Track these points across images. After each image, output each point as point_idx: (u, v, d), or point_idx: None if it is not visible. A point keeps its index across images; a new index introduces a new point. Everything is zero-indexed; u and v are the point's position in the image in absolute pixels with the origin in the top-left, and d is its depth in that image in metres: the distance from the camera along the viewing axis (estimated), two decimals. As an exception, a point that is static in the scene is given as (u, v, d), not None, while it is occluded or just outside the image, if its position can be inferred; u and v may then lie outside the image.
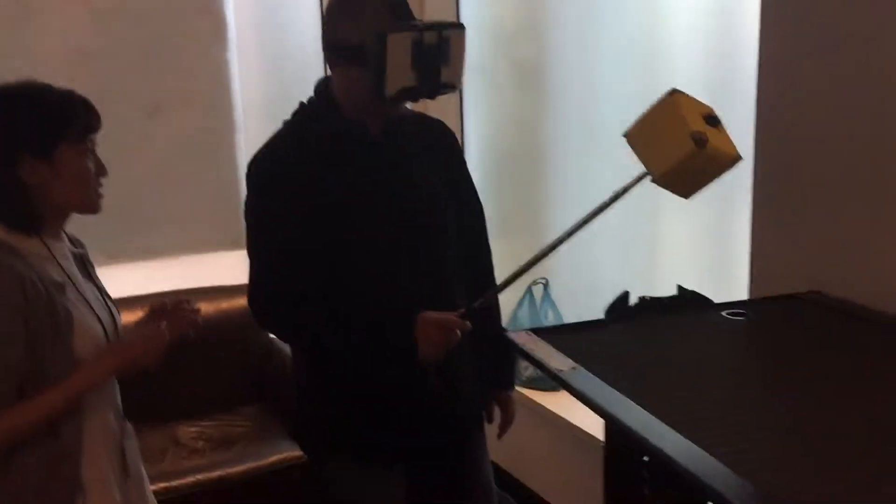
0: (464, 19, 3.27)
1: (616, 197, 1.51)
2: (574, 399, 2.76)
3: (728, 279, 2.16)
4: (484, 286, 1.86)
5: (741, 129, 1.95)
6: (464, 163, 1.95)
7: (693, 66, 2.32)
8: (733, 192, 2.08)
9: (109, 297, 1.76)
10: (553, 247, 1.58)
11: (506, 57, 3.15)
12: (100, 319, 1.67)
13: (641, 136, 1.47)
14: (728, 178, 2.10)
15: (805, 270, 1.79)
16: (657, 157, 1.43)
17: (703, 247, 2.39)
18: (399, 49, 1.59)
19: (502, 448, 2.18)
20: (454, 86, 1.70)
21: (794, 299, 1.70)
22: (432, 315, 1.66)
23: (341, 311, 1.72)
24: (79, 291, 1.66)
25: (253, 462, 2.71)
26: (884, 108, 1.61)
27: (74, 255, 1.71)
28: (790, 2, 1.78)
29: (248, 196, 1.78)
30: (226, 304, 3.03)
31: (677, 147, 1.40)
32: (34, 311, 1.54)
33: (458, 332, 1.66)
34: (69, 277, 1.65)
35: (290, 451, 2.74)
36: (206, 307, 2.97)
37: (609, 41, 2.62)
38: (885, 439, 1.14)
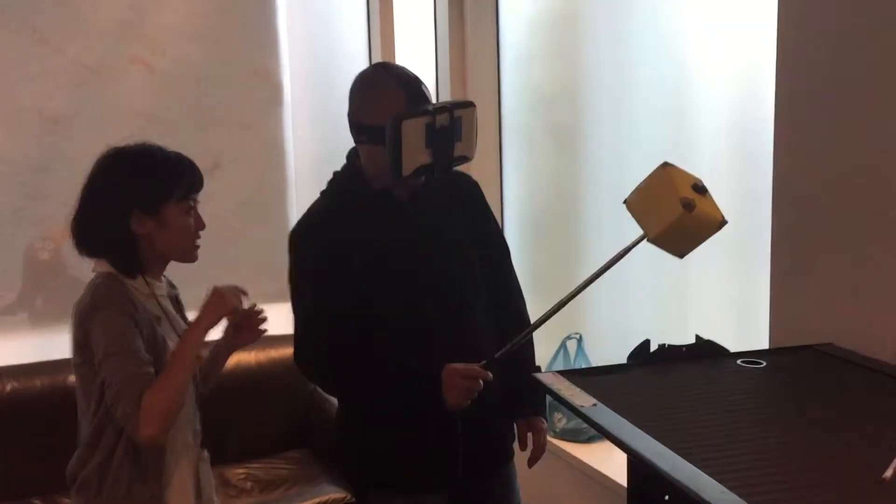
0: (504, 86, 3.45)
1: (618, 257, 1.67)
2: (604, 451, 2.85)
3: (753, 330, 2.25)
4: (515, 329, 1.98)
5: (762, 186, 2.07)
6: (487, 208, 2.09)
7: (717, 126, 2.46)
8: (755, 250, 2.20)
9: None
10: (563, 304, 1.73)
11: (543, 120, 3.31)
12: None
13: (638, 202, 1.66)
14: (750, 235, 2.23)
15: (822, 322, 1.88)
16: (651, 220, 1.61)
17: (729, 300, 2.49)
18: (413, 132, 1.76)
19: (535, 497, 2.27)
20: (468, 158, 1.86)
21: (808, 350, 1.80)
22: (457, 366, 1.79)
23: (377, 366, 1.86)
24: (172, 325, 1.86)
25: (297, 502, 2.82)
26: None
27: (170, 296, 1.91)
28: (804, 61, 1.91)
29: (291, 262, 1.94)
30: (274, 353, 3.18)
31: (669, 211, 1.58)
32: (142, 325, 1.75)
33: (481, 381, 1.79)
34: (165, 312, 1.85)
35: (332, 493, 2.85)
36: (255, 356, 3.16)
37: (640, 105, 2.77)
38: (872, 472, 1.23)
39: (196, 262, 2.03)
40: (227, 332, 2.00)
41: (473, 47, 3.43)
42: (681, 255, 1.67)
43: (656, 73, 2.67)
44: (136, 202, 1.79)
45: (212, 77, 3.22)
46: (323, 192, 1.98)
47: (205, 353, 1.97)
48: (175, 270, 2.20)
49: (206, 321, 1.80)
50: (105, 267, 1.82)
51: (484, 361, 1.80)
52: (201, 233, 1.89)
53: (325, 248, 1.87)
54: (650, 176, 1.65)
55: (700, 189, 1.61)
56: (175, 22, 3.16)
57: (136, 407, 1.67)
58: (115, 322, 1.73)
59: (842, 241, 1.84)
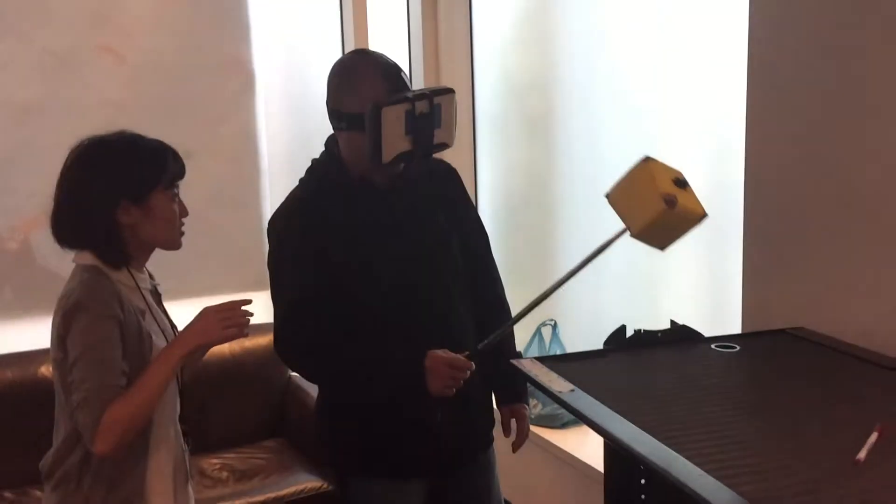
0: (477, 74, 3.45)
1: (600, 250, 1.67)
2: (579, 436, 2.88)
3: (726, 315, 2.28)
4: (495, 315, 2.01)
5: (734, 174, 2.10)
6: (466, 194, 2.10)
7: (690, 114, 2.48)
8: (727, 238, 2.23)
9: (175, 327, 1.93)
10: (545, 296, 1.74)
11: (517, 109, 3.32)
12: None
13: (620, 197, 1.66)
14: (723, 224, 2.25)
15: (793, 307, 1.92)
16: (634, 216, 1.61)
17: (702, 286, 2.52)
18: (393, 119, 1.76)
19: (512, 483, 2.29)
20: (448, 144, 1.87)
21: (780, 333, 1.83)
22: (440, 354, 1.79)
23: (359, 352, 1.86)
24: (155, 319, 1.83)
25: (273, 492, 2.81)
26: (864, 159, 1.75)
27: (151, 288, 1.89)
28: (775, 56, 1.94)
29: (271, 249, 1.94)
30: (249, 343, 3.16)
31: (650, 207, 1.58)
32: (127, 325, 1.72)
33: (466, 372, 1.80)
34: (148, 306, 1.83)
35: (309, 482, 2.85)
36: (230, 345, 3.13)
37: (611, 94, 2.78)
38: (846, 453, 1.25)
39: (170, 252, 2.01)
40: None
41: (446, 35, 3.43)
42: (662, 248, 1.68)
43: (629, 63, 2.69)
44: (124, 192, 1.75)
45: (183, 66, 3.19)
46: (301, 180, 1.98)
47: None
48: (148, 261, 2.19)
49: (184, 348, 1.74)
50: (88, 259, 1.77)
51: (468, 352, 1.81)
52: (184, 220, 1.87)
53: (305, 235, 1.87)
54: (631, 170, 1.65)
55: (681, 183, 1.62)
56: (145, 11, 3.12)
57: (97, 420, 1.65)
58: (97, 326, 1.69)
59: (811, 229, 1.88)
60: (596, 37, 2.82)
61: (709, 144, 2.42)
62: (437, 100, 1.81)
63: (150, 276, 1.95)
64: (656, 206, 1.57)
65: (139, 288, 1.81)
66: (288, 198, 1.96)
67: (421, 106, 1.78)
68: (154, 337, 1.79)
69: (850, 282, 1.79)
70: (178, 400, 1.88)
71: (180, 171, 1.83)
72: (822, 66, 1.82)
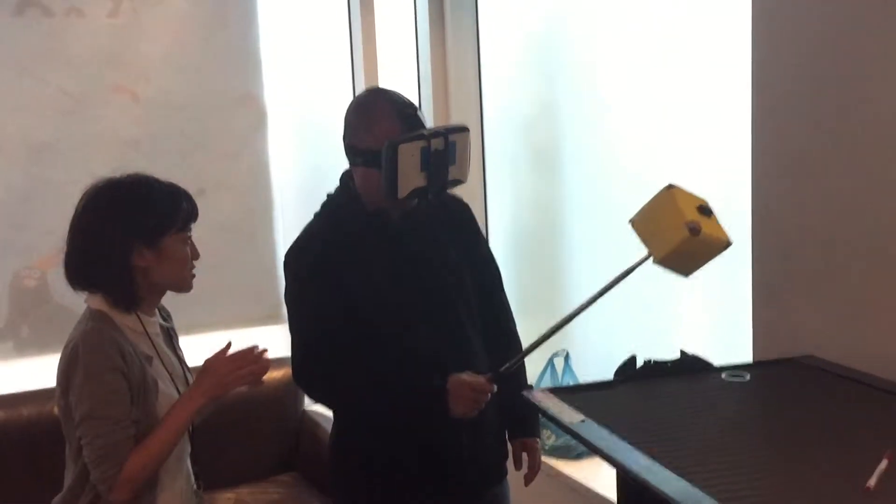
0: (486, 109, 3.49)
1: (623, 276, 1.69)
2: (593, 467, 2.87)
3: (737, 344, 2.28)
4: (508, 349, 2.02)
5: (742, 201, 2.11)
6: (478, 230, 2.13)
7: (697, 144, 2.50)
8: (737, 266, 2.23)
9: (188, 368, 1.95)
10: (567, 320, 1.75)
11: (525, 143, 3.35)
12: (178, 390, 1.84)
13: (644, 224, 1.67)
14: (732, 252, 2.26)
15: (804, 335, 1.92)
16: (658, 243, 1.63)
17: (712, 315, 2.52)
18: (409, 156, 1.79)
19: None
20: (461, 181, 1.90)
21: (791, 362, 1.83)
22: (464, 378, 1.82)
23: (376, 379, 1.89)
24: (164, 364, 1.84)
25: (287, 526, 2.82)
26: (873, 184, 1.76)
27: (163, 329, 1.91)
28: (780, 81, 1.96)
29: (287, 283, 1.97)
30: (264, 377, 3.17)
31: (674, 234, 1.59)
32: (131, 375, 1.73)
33: (488, 394, 1.82)
34: (157, 351, 1.83)
35: (322, 517, 2.85)
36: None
37: (618, 125, 2.81)
38: (856, 481, 1.25)
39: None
40: None
41: (455, 70, 3.47)
42: (686, 275, 1.69)
43: (635, 93, 2.72)
44: (139, 236, 1.77)
45: (196, 104, 3.25)
46: (317, 214, 2.01)
47: None
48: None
49: (196, 402, 1.76)
50: (98, 302, 1.78)
51: (489, 375, 1.83)
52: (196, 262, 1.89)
53: (321, 269, 1.89)
54: (655, 197, 1.67)
55: (706, 211, 1.63)
56: (158, 51, 3.18)
57: (118, 473, 1.68)
58: (100, 381, 1.70)
59: (820, 257, 1.88)
60: (602, 67, 2.85)
61: (717, 172, 2.43)
62: (451, 137, 1.84)
63: (165, 317, 1.96)
64: (680, 233, 1.58)
65: (147, 333, 1.82)
66: (303, 232, 1.99)
67: (436, 143, 1.82)
68: (161, 383, 1.79)
69: (861, 309, 1.80)
70: (188, 442, 1.88)
71: (193, 213, 1.86)
72: (829, 88, 1.84)
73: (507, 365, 1.84)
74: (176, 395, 1.81)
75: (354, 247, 1.90)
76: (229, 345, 1.88)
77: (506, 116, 3.43)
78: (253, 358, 1.81)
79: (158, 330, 1.89)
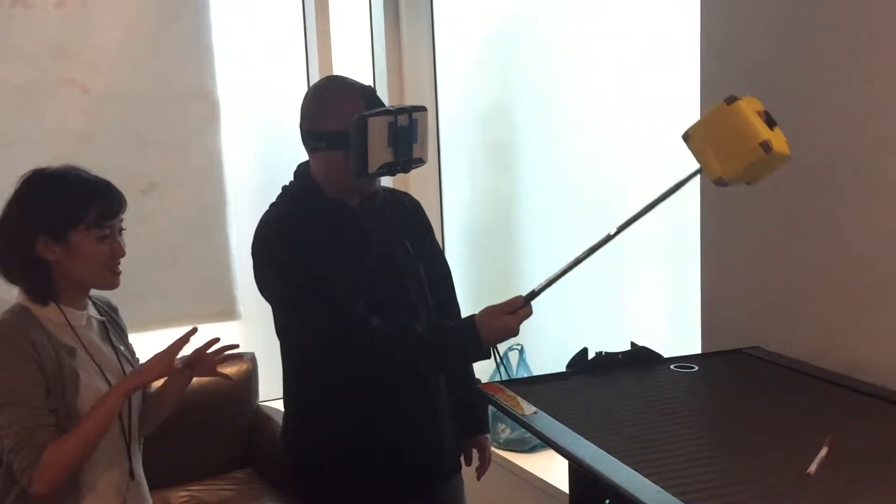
0: (442, 106, 3.51)
1: (669, 193, 1.66)
2: (547, 460, 2.90)
3: (686, 336, 2.33)
4: None
5: (692, 196, 2.16)
6: (430, 229, 2.15)
7: (647, 139, 2.54)
8: (687, 260, 2.28)
9: (130, 361, 1.92)
10: (604, 242, 1.73)
11: (480, 138, 3.37)
12: (109, 383, 1.81)
13: (704, 139, 1.56)
14: (682, 246, 2.31)
15: (750, 327, 1.97)
16: (722, 160, 1.54)
17: (662, 307, 2.57)
18: (378, 130, 1.80)
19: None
20: (423, 160, 1.91)
21: (737, 353, 1.88)
22: (495, 306, 1.79)
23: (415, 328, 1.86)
24: (90, 356, 1.81)
25: (242, 523, 2.81)
26: (813, 180, 1.81)
27: (98, 322, 1.88)
28: (726, 74, 2.00)
29: (272, 267, 1.88)
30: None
31: (746, 154, 1.50)
32: (45, 366, 1.71)
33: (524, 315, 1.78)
34: (82, 343, 1.80)
35: (277, 512, 2.84)
36: (197, 377, 3.13)
37: (572, 122, 2.84)
38: (797, 467, 1.30)
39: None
40: (178, 370, 1.92)
41: (410, 64, 3.48)
42: (750, 183, 1.60)
43: (591, 90, 2.75)
44: (41, 228, 1.74)
45: (147, 97, 3.20)
46: (275, 204, 1.97)
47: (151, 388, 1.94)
48: (111, 292, 2.18)
49: (125, 387, 1.75)
50: (20, 294, 1.78)
51: (523, 297, 1.79)
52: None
53: (299, 244, 1.85)
54: (716, 109, 1.55)
55: (770, 121, 1.53)
56: (108, 42, 3.13)
57: (34, 463, 1.65)
58: (10, 369, 1.68)
59: (767, 251, 1.93)
60: (556, 65, 2.88)
61: (667, 167, 2.48)
62: (415, 115, 1.86)
63: (104, 310, 1.93)
64: (753, 153, 1.48)
65: (70, 325, 1.79)
66: (268, 218, 1.93)
67: (402, 119, 1.83)
68: (84, 375, 1.77)
69: (804, 301, 1.85)
70: (122, 441, 1.85)
71: (112, 211, 1.80)
72: (770, 84, 1.88)
73: (541, 285, 1.78)
74: (104, 388, 1.79)
75: (321, 231, 1.88)
76: (194, 330, 1.88)
77: (461, 113, 3.45)
78: (182, 352, 1.80)
79: (87, 322, 1.86)
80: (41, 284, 1.77)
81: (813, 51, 1.79)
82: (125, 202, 1.83)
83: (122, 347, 1.93)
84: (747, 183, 1.61)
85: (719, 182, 1.56)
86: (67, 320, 1.79)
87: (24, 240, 1.75)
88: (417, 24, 3.48)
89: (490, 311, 1.79)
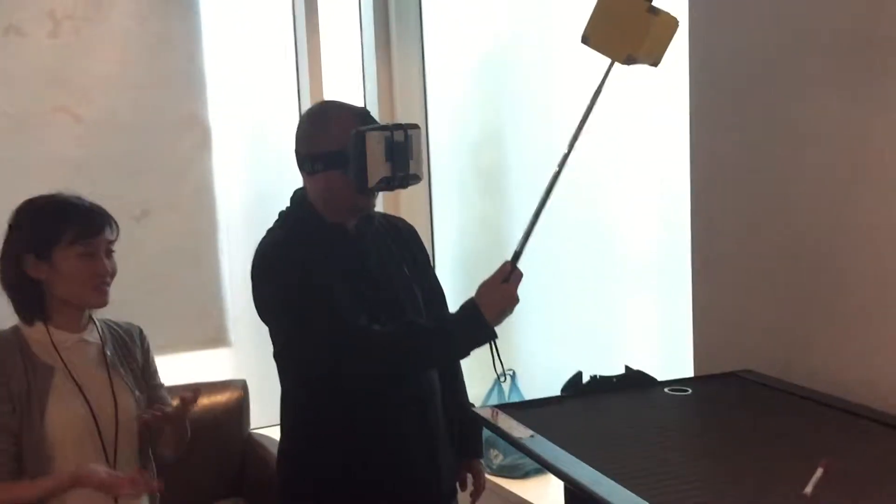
0: (433, 133, 3.53)
1: (597, 93, 1.81)
2: (540, 485, 2.89)
3: (678, 359, 2.34)
4: (453, 372, 2.11)
5: (682, 221, 2.18)
6: (427, 256, 2.17)
7: (637, 164, 2.57)
8: (678, 284, 2.29)
9: (131, 386, 1.93)
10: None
11: (471, 164, 3.39)
12: (91, 408, 1.83)
13: (600, 33, 1.74)
14: (673, 270, 2.32)
15: (742, 350, 1.98)
16: (626, 41, 1.70)
17: (655, 331, 2.58)
18: (375, 144, 1.82)
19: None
20: (420, 177, 1.93)
21: (730, 376, 1.89)
22: (489, 279, 1.84)
23: (416, 326, 1.89)
24: (73, 377, 1.83)
25: (232, 552, 2.78)
26: (806, 205, 1.83)
27: (96, 345, 1.91)
28: (716, 99, 2.03)
29: (271, 286, 1.87)
30: (207, 400, 3.12)
31: (640, 23, 1.67)
32: (12, 382, 1.77)
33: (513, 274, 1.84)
34: (64, 364, 1.83)
35: (269, 540, 2.81)
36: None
37: (563, 148, 2.86)
38: (793, 489, 1.30)
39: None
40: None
41: (401, 91, 3.51)
42: (655, 63, 1.76)
43: (578, 116, 2.77)
44: (28, 247, 1.84)
45: (140, 124, 3.21)
46: (270, 229, 1.98)
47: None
48: (106, 316, 2.19)
49: (62, 482, 1.78)
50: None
51: (509, 260, 1.83)
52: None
53: (298, 267, 1.85)
54: (598, 5, 1.74)
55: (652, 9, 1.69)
56: (101, 70, 3.15)
57: None
58: None
59: (758, 275, 1.95)
60: (549, 89, 2.91)
61: (659, 194, 2.51)
62: (409, 132, 1.88)
63: (116, 334, 1.96)
64: (645, 19, 1.66)
65: (53, 344, 1.84)
66: (267, 241, 1.94)
67: (398, 135, 1.85)
68: (54, 396, 1.80)
69: (796, 324, 1.86)
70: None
71: (89, 229, 1.86)
72: (762, 112, 1.91)
73: (519, 244, 1.86)
74: (80, 411, 1.82)
75: (320, 254, 1.89)
76: (198, 392, 1.90)
77: (452, 139, 3.47)
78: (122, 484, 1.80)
79: (77, 344, 1.89)
80: (28, 304, 1.85)
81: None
82: (113, 223, 1.91)
83: (123, 371, 1.94)
84: (656, 64, 1.75)
85: (628, 60, 1.71)
86: (51, 339, 1.84)
87: (12, 259, 1.84)
88: (408, 50, 3.51)
89: (485, 288, 1.82)
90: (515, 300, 1.81)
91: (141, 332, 2.08)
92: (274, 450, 2.19)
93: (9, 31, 3.02)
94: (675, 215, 2.35)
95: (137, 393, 1.96)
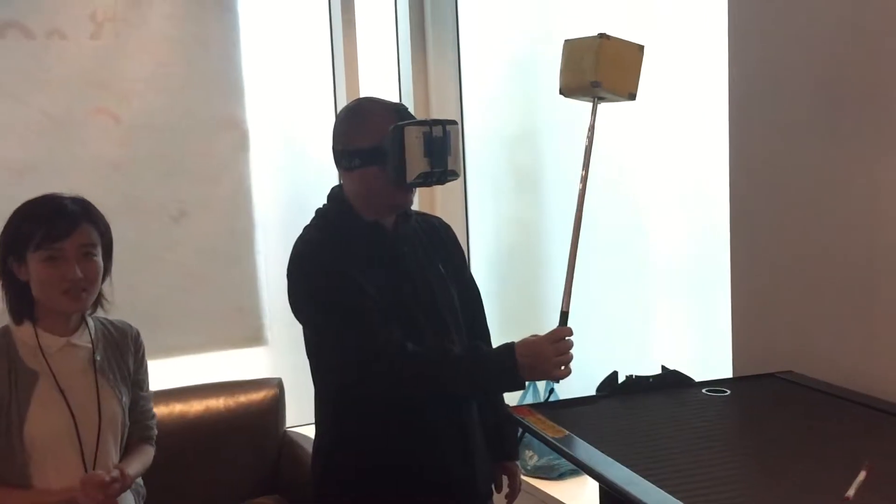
0: (468, 131, 3.52)
1: (589, 144, 1.92)
2: (576, 486, 2.87)
3: (717, 360, 2.31)
4: None
5: (721, 217, 2.15)
6: (462, 253, 2.15)
7: (674, 159, 2.54)
8: (716, 283, 2.26)
9: (119, 390, 1.93)
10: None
11: (506, 162, 3.38)
12: (73, 414, 1.83)
13: (569, 78, 1.86)
14: (711, 269, 2.29)
15: (782, 351, 1.95)
16: (584, 76, 1.81)
17: (693, 331, 2.55)
18: (414, 139, 1.81)
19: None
20: (458, 173, 1.91)
21: (769, 377, 1.86)
22: (532, 340, 1.81)
23: (447, 355, 1.88)
24: (57, 383, 1.84)
25: (269, 549, 2.79)
26: (849, 203, 1.79)
27: (86, 349, 1.91)
28: (756, 101, 2.00)
29: (311, 285, 1.87)
30: (244, 398, 3.15)
31: (591, 51, 1.77)
32: None
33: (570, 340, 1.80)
34: (49, 367, 1.84)
35: (304, 538, 2.82)
36: (224, 401, 3.14)
37: (597, 146, 2.84)
38: (835, 492, 1.27)
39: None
40: None
41: (437, 91, 3.51)
42: (632, 96, 1.85)
43: (615, 114, 2.75)
44: (8, 249, 1.85)
45: (178, 126, 3.24)
46: (309, 226, 1.98)
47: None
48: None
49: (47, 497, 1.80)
50: None
51: (566, 327, 1.82)
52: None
53: (342, 267, 1.85)
54: (564, 55, 1.86)
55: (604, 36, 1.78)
56: (140, 72, 3.18)
57: None
58: None
59: (798, 276, 1.91)
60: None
61: (697, 191, 2.47)
62: (448, 127, 1.87)
63: (109, 337, 1.96)
64: (594, 44, 1.76)
65: (40, 348, 1.84)
66: (304, 240, 1.94)
67: (436, 130, 1.84)
68: (36, 401, 1.81)
69: (838, 325, 1.83)
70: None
71: (54, 233, 1.82)
72: (801, 115, 1.88)
73: (564, 302, 1.86)
74: (61, 420, 1.82)
75: (357, 253, 1.89)
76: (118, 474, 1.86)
77: (487, 138, 3.46)
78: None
79: (65, 348, 1.88)
80: (16, 304, 1.86)
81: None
82: (92, 225, 1.87)
83: (111, 376, 1.93)
84: (631, 96, 1.86)
85: (593, 85, 1.80)
86: (38, 343, 1.84)
87: (2, 259, 1.86)
88: (444, 48, 3.51)
89: (531, 346, 1.79)
90: (555, 367, 1.78)
91: (137, 335, 2.05)
92: (309, 448, 2.19)
93: (52, 34, 3.07)
94: (711, 214, 2.32)
95: (123, 398, 1.96)
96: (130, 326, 2.05)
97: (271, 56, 3.48)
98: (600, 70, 1.77)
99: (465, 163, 3.53)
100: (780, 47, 1.91)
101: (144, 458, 2.02)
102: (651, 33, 2.56)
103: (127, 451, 1.99)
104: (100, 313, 2.02)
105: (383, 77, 3.58)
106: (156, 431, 2.13)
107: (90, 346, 1.92)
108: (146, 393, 2.08)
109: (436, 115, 3.46)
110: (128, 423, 1.99)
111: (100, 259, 1.89)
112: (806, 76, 1.86)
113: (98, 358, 1.92)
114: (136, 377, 2.03)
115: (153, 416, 2.13)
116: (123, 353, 1.99)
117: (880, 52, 1.70)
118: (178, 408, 2.94)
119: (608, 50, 1.76)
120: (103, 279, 1.93)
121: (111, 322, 2.03)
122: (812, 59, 1.84)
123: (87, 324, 1.94)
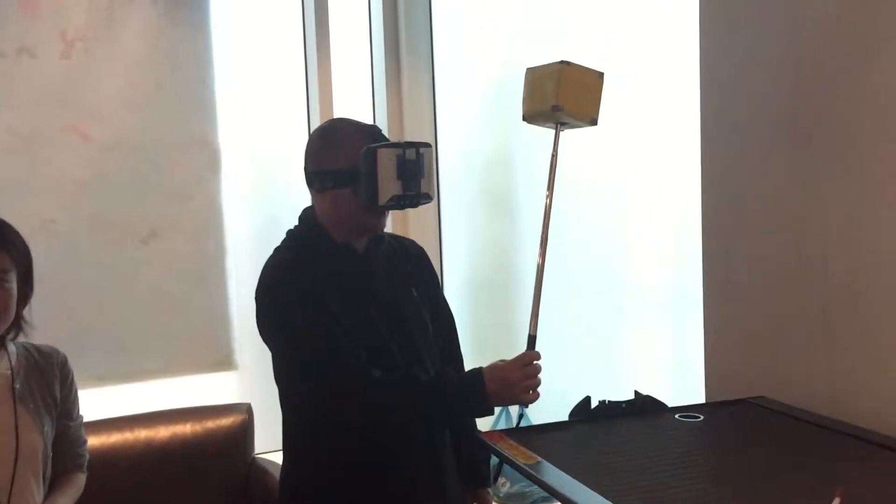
0: (442, 155, 3.52)
1: (552, 170, 1.94)
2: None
3: (689, 386, 2.30)
4: None
5: (694, 246, 2.15)
6: (436, 278, 2.14)
7: (648, 188, 2.54)
8: (689, 310, 2.26)
9: (39, 417, 1.86)
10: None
11: (481, 185, 3.38)
12: None
13: (531, 106, 1.87)
14: (684, 296, 2.29)
15: (754, 377, 1.94)
16: (546, 102, 1.81)
17: (666, 357, 2.54)
18: (387, 161, 1.80)
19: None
20: (431, 196, 1.90)
21: (742, 403, 1.85)
22: (500, 364, 1.81)
23: (420, 383, 1.86)
24: None
25: (235, 578, 2.73)
26: (818, 233, 1.80)
27: (4, 376, 1.84)
28: (728, 118, 2.01)
29: (273, 314, 1.85)
30: (212, 424, 3.10)
31: (552, 78, 1.79)
32: None
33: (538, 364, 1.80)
34: None
35: (272, 566, 2.77)
36: (192, 427, 3.09)
37: (572, 170, 2.84)
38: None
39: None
40: None
41: (411, 114, 3.51)
42: (594, 122, 1.86)
43: (590, 139, 2.76)
44: None
45: (148, 145, 3.21)
46: (280, 248, 1.96)
47: None
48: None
49: None
50: None
51: (534, 352, 1.82)
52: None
53: (306, 294, 1.83)
54: (526, 85, 1.86)
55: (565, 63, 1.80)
56: (111, 92, 3.15)
57: None
58: None
59: (770, 302, 1.91)
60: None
61: (671, 220, 2.48)
62: (421, 150, 1.85)
63: (31, 362, 1.89)
64: (555, 71, 1.77)
65: None
66: (274, 264, 1.91)
67: (409, 153, 1.83)
68: None
69: (809, 351, 1.82)
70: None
71: None
72: (775, 138, 1.89)
73: (532, 325, 1.85)
74: None
75: (328, 276, 1.87)
76: None
77: (462, 161, 3.46)
78: None
79: None
80: None
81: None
82: (3, 250, 1.82)
83: (32, 406, 1.87)
84: (592, 120, 1.87)
85: (554, 109, 1.82)
86: None
87: None
88: (418, 71, 3.51)
89: (499, 371, 1.80)
90: (524, 392, 1.80)
91: (65, 361, 1.98)
92: (278, 475, 2.15)
93: (21, 52, 3.03)
94: (684, 240, 2.32)
95: (46, 428, 1.89)
96: (57, 352, 1.98)
97: (244, 76, 3.47)
98: (561, 95, 1.79)
99: (439, 186, 3.52)
100: (754, 65, 1.92)
101: (73, 489, 1.96)
102: (629, 56, 2.58)
103: (54, 485, 1.91)
104: (47, 336, 1.97)
105: (357, 98, 3.57)
106: (87, 458, 2.06)
107: (9, 373, 1.85)
108: (76, 421, 2.02)
109: (410, 138, 3.46)
110: (50, 453, 1.91)
111: (13, 285, 1.83)
112: (777, 104, 1.87)
113: (17, 386, 1.85)
114: (65, 406, 1.96)
115: (84, 441, 2.06)
116: (48, 381, 1.93)
117: (850, 76, 1.71)
118: (143, 433, 2.88)
119: (569, 75, 1.79)
120: (23, 304, 1.87)
121: (36, 347, 1.96)
122: (780, 87, 1.85)
123: (6, 350, 1.87)
